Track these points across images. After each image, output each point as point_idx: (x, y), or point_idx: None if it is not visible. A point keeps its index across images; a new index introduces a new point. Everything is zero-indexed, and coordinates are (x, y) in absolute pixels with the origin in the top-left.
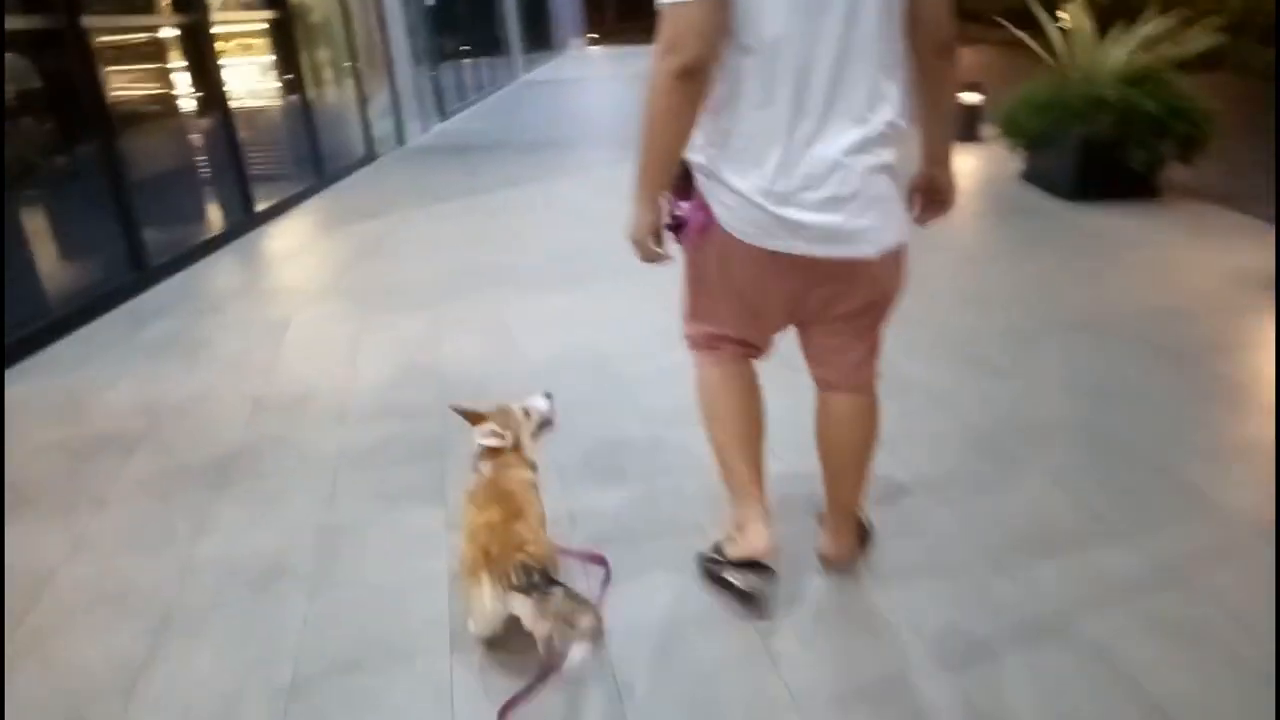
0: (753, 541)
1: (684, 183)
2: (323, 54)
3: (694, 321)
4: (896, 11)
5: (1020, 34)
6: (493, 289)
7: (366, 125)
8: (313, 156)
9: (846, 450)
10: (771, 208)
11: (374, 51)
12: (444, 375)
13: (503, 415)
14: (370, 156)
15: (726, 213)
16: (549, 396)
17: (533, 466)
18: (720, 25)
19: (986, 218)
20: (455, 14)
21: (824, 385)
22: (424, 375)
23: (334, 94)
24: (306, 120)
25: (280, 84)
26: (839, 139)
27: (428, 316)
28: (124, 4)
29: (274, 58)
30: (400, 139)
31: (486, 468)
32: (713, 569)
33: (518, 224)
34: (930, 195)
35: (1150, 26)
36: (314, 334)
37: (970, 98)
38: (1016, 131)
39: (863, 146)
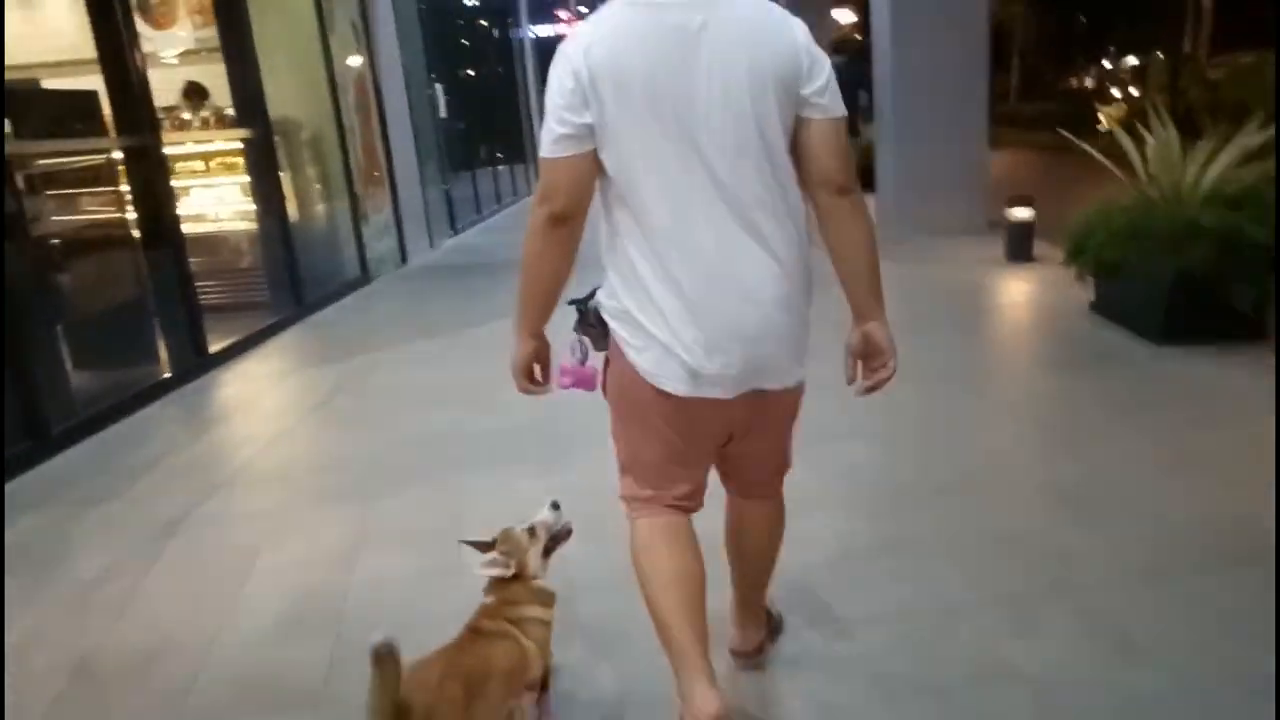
0: (699, 709)
1: (602, 332)
2: (311, 172)
3: (627, 478)
4: (777, 160)
5: (1087, 148)
6: (450, 467)
7: (361, 246)
8: (290, 284)
9: (760, 554)
10: (686, 358)
11: (375, 168)
12: (345, 620)
13: (505, 540)
14: (364, 279)
15: (640, 358)
16: (556, 507)
17: (545, 598)
18: (589, 178)
19: (1060, 366)
20: (473, 123)
21: (739, 492)
22: (318, 620)
23: (323, 213)
24: (285, 244)
25: (256, 205)
26: (733, 283)
27: (354, 515)
28: (56, 124)
29: (250, 178)
30: (402, 258)
31: (489, 601)
32: None
33: (503, 369)
34: (869, 359)
35: (1252, 136)
36: (203, 544)
37: (1021, 213)
38: (1087, 258)
39: (758, 285)
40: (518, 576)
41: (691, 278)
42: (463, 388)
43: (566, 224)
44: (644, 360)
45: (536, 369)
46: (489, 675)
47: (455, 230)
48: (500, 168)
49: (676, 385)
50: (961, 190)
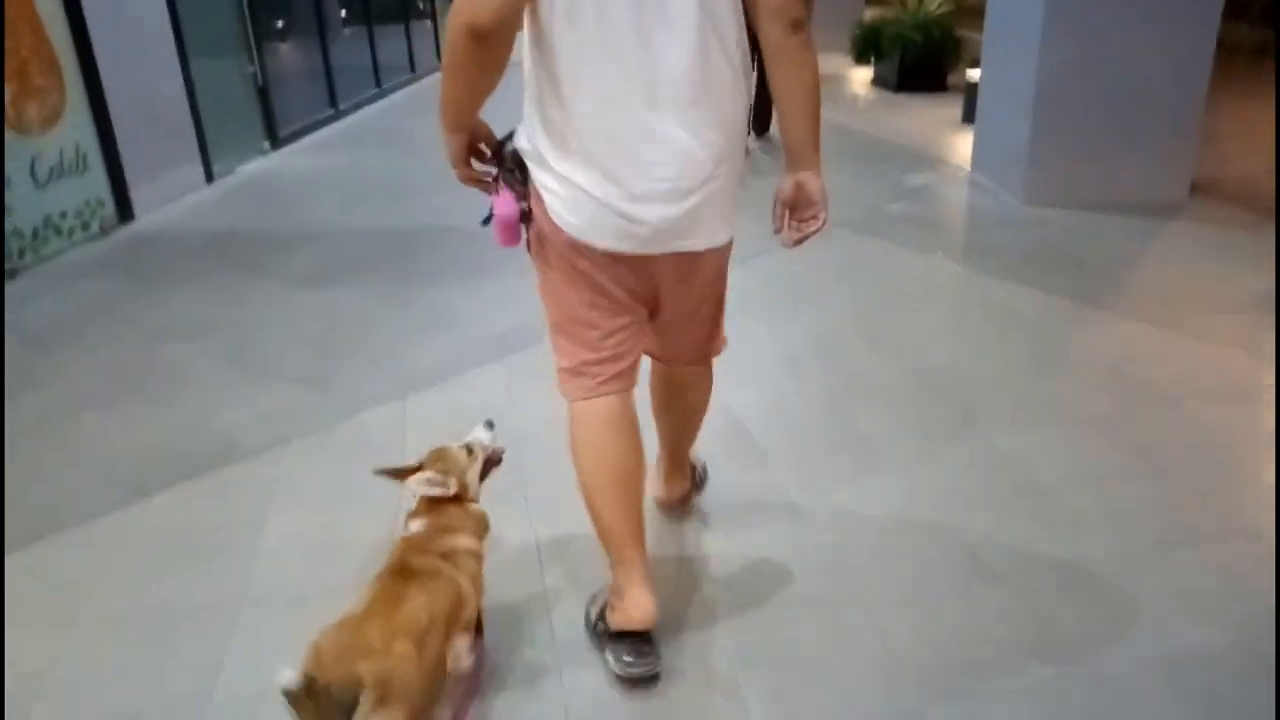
0: (631, 612)
1: (521, 177)
2: None
3: (559, 341)
4: (724, 10)
5: None
6: None
7: None
8: None
9: (690, 413)
10: (610, 201)
11: (22, 45)
12: None
13: (440, 458)
14: None
15: (558, 203)
16: (490, 426)
17: (480, 527)
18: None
19: None
20: None
21: (669, 361)
22: None
23: None
24: None
25: None
26: (665, 127)
27: None
28: None
29: None
30: (121, 214)
31: (415, 526)
32: (596, 641)
33: None
34: (798, 208)
35: None
36: None
37: None
38: None
39: (693, 133)
40: (456, 498)
41: (611, 158)
42: None
43: (487, 43)
44: (564, 211)
45: (483, 148)
46: (431, 624)
47: (275, 140)
48: (388, 27)
49: (599, 240)
50: (1156, 137)
